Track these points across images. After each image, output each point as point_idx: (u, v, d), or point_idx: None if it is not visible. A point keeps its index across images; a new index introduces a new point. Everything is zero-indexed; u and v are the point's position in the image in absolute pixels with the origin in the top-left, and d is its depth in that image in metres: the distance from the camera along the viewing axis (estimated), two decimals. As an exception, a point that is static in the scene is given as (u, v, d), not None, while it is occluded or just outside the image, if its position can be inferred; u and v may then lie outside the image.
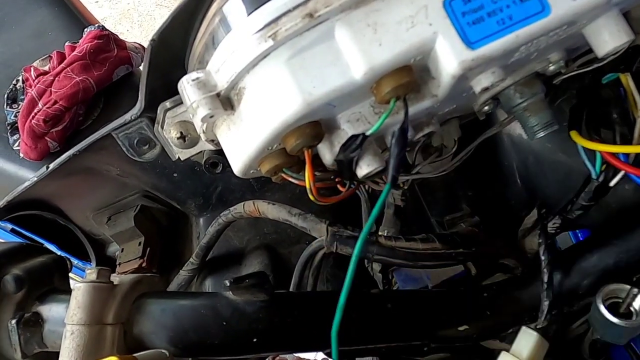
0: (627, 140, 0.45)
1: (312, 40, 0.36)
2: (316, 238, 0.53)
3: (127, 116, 0.54)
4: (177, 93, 0.42)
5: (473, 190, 0.68)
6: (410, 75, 0.36)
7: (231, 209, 0.61)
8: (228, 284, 0.45)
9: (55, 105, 0.78)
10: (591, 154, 0.46)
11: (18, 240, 0.80)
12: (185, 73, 0.41)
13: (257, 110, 0.38)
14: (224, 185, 0.70)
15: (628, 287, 0.45)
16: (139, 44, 0.94)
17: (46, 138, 0.80)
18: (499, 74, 0.38)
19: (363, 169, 0.40)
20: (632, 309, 0.45)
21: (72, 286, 0.49)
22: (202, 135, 0.43)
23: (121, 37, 0.91)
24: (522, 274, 0.54)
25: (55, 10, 1.03)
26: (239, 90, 0.39)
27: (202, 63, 0.44)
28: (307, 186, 0.41)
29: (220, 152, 0.46)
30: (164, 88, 0.48)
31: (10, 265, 0.51)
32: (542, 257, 0.47)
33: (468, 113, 0.49)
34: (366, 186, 0.54)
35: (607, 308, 0.45)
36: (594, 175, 0.46)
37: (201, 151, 0.51)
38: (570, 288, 0.48)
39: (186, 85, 0.40)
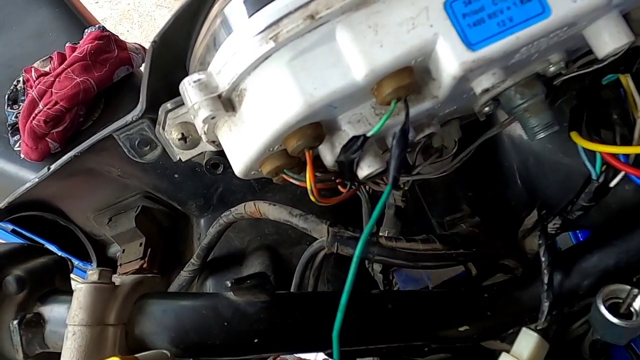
0: (627, 141, 0.45)
1: (313, 42, 0.36)
2: (317, 239, 0.53)
3: (129, 117, 0.54)
4: (179, 94, 0.42)
5: (473, 191, 0.68)
6: (411, 77, 0.36)
7: (232, 209, 0.61)
8: (229, 285, 0.45)
9: (56, 106, 0.79)
10: (591, 154, 0.46)
11: (19, 241, 0.80)
12: (187, 74, 0.41)
13: (258, 112, 0.39)
14: (225, 186, 0.70)
15: (628, 287, 0.45)
16: (140, 45, 0.94)
17: (47, 139, 0.80)
18: (499, 75, 0.38)
19: (364, 170, 0.41)
20: (632, 309, 0.45)
21: (73, 287, 0.49)
22: (203, 137, 0.43)
23: (121, 37, 0.91)
24: (523, 274, 0.54)
25: (55, 10, 1.03)
26: (241, 92, 0.39)
27: (203, 64, 0.44)
28: (308, 187, 0.41)
29: (221, 153, 0.47)
30: (165, 89, 0.48)
31: (12, 266, 0.51)
32: (543, 258, 0.47)
33: (468, 114, 0.49)
34: (367, 187, 0.54)
35: (608, 308, 0.45)
36: (594, 176, 0.47)
37: (202, 152, 0.51)
38: (571, 288, 0.48)
39: (187, 87, 0.40)
